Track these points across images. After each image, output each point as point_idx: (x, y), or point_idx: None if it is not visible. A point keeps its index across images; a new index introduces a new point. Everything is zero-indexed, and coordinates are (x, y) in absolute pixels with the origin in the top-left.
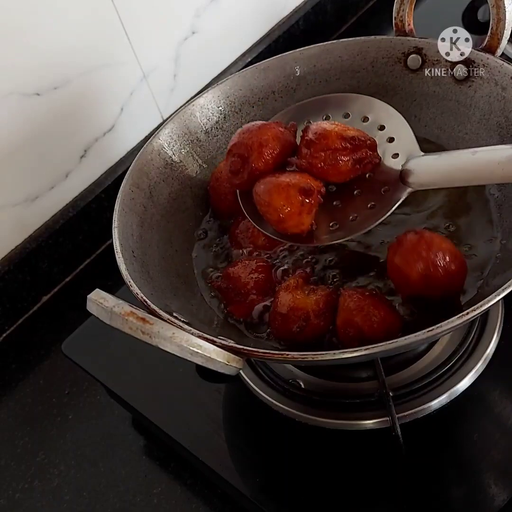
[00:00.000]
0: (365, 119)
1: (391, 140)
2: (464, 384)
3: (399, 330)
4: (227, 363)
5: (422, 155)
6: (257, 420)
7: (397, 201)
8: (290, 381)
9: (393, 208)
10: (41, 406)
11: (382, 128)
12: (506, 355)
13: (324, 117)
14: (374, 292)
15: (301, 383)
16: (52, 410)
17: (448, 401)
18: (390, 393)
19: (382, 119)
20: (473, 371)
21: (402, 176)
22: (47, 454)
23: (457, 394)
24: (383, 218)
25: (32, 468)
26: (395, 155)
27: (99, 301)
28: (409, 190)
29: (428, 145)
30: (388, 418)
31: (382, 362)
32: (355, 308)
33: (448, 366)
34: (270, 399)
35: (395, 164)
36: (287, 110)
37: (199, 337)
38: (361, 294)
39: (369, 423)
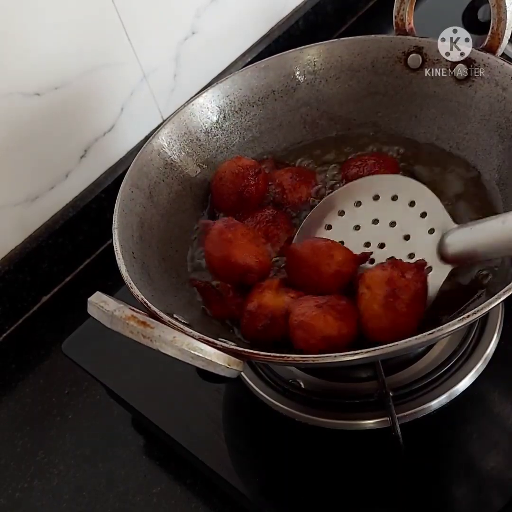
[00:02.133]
0: (395, 197)
1: (423, 215)
2: (464, 384)
3: (345, 336)
4: (228, 366)
5: (457, 227)
6: (257, 420)
7: (441, 281)
8: (290, 381)
9: (438, 289)
10: (41, 406)
11: (412, 204)
12: (506, 355)
13: (355, 203)
14: (322, 302)
15: (301, 383)
16: (52, 410)
17: (448, 401)
18: (390, 393)
19: (411, 195)
20: (473, 371)
21: (441, 252)
22: (47, 454)
23: (457, 394)
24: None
25: (32, 467)
26: (431, 230)
27: (100, 304)
28: (450, 268)
29: (433, 148)
30: (388, 418)
31: (382, 362)
32: (296, 325)
33: (448, 366)
34: (270, 399)
35: (433, 240)
36: (318, 207)
37: (200, 340)
38: (306, 307)
39: (369, 423)
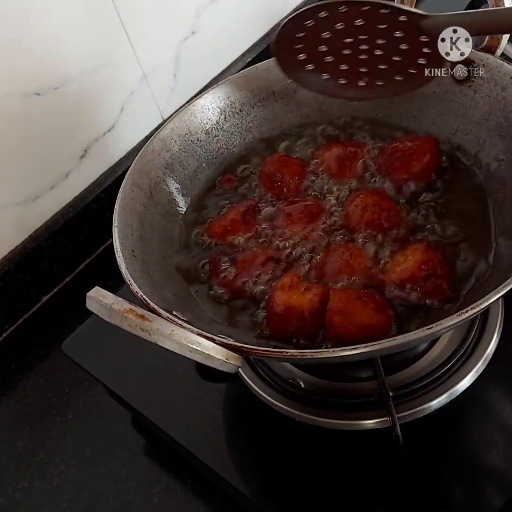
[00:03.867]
0: None
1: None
2: (464, 384)
3: (382, 330)
4: (226, 360)
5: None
6: (257, 420)
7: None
8: (290, 381)
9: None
10: (41, 406)
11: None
12: (506, 355)
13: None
14: (362, 292)
15: (301, 383)
16: (52, 410)
17: (448, 401)
18: (390, 393)
19: None
20: (473, 371)
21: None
22: (47, 454)
23: (457, 394)
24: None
25: (32, 467)
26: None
27: (99, 298)
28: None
29: None
30: (388, 418)
31: (382, 362)
32: (337, 311)
33: (448, 366)
34: (270, 399)
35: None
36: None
37: (198, 334)
38: (347, 296)
39: (369, 423)
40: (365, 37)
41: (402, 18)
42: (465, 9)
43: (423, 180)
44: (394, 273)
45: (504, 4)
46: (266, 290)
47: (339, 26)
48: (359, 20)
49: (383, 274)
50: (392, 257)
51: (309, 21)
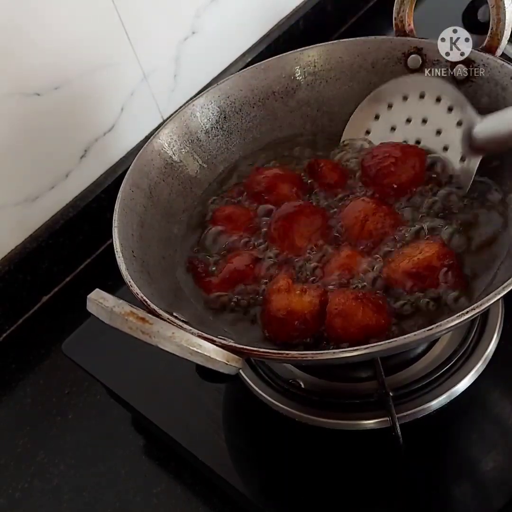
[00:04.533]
0: (422, 95)
1: (450, 109)
2: (464, 384)
3: (382, 329)
4: (227, 362)
5: (482, 119)
6: (257, 420)
7: (474, 170)
8: (290, 381)
9: (472, 178)
10: (41, 406)
11: (438, 100)
12: (506, 355)
13: (387, 106)
14: (361, 293)
15: (301, 383)
16: (52, 410)
17: (448, 401)
18: (390, 393)
19: (436, 91)
20: (473, 371)
21: (470, 143)
22: (47, 454)
23: (457, 394)
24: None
25: (32, 467)
26: (459, 123)
27: (99, 301)
28: (480, 157)
29: None
30: (388, 418)
31: (382, 362)
32: (337, 313)
33: (448, 366)
34: (270, 399)
35: (462, 132)
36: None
37: (199, 336)
38: (345, 298)
39: (369, 423)
40: None
41: None
42: (465, 10)
43: (415, 186)
44: (407, 263)
45: (504, 4)
46: (259, 290)
47: None
48: None
49: (392, 266)
50: (398, 252)
51: None
